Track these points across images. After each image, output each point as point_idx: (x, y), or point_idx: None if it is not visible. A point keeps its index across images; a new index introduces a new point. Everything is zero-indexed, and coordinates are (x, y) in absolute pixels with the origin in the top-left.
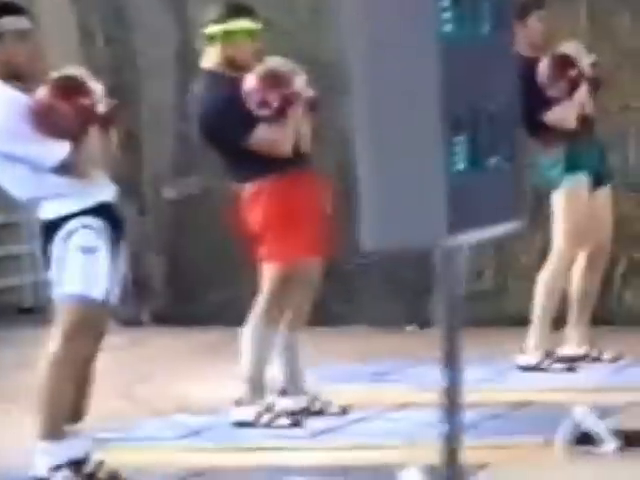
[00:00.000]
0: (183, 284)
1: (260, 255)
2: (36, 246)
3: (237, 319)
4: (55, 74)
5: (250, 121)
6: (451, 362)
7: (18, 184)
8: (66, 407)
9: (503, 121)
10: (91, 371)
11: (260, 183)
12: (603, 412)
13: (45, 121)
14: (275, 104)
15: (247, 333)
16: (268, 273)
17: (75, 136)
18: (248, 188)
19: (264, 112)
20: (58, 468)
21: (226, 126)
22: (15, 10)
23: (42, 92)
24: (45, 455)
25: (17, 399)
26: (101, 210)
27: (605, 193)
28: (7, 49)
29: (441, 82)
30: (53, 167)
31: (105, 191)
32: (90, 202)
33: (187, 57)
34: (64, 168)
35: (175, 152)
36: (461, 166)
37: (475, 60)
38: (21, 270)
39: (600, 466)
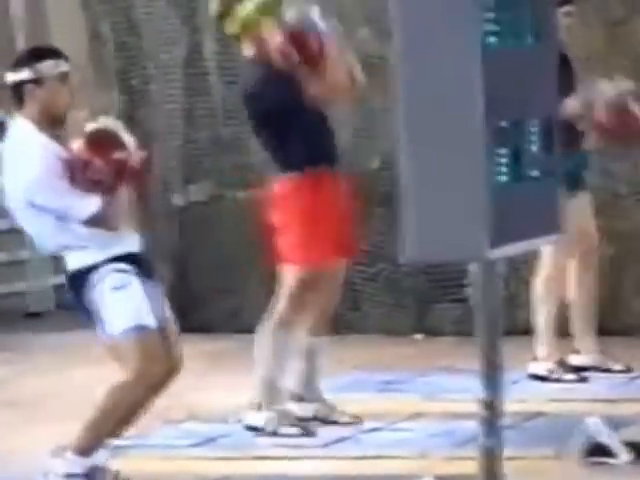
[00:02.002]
0: (191, 291)
1: (281, 256)
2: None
3: (245, 327)
4: (89, 126)
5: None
6: (491, 374)
7: (44, 234)
8: (109, 431)
9: (544, 133)
10: (152, 400)
11: (290, 181)
12: (615, 423)
13: (80, 176)
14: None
15: (263, 337)
16: (288, 276)
17: (109, 191)
18: (277, 185)
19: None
20: (73, 476)
21: (275, 109)
22: (55, 54)
23: (78, 145)
24: (66, 463)
25: (22, 404)
26: (127, 257)
27: (585, 197)
28: (48, 94)
29: (485, 94)
30: (84, 220)
31: (130, 242)
32: (115, 252)
33: (195, 63)
34: (95, 221)
35: (184, 158)
36: (503, 178)
37: (518, 72)
38: (26, 275)
39: (613, 478)
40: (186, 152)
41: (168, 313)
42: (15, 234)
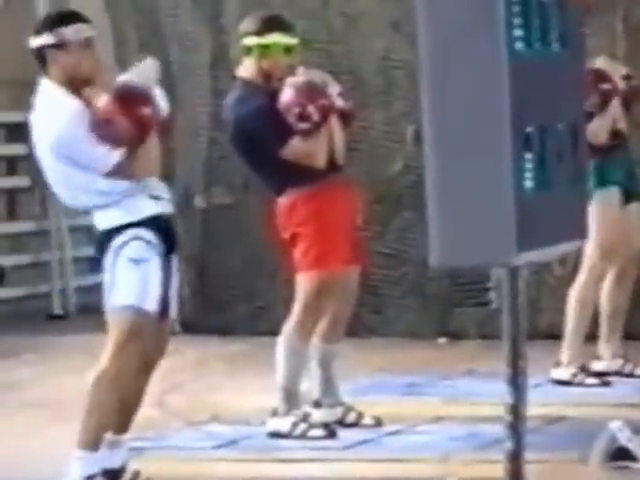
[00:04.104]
0: (213, 293)
1: (294, 265)
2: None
3: (267, 328)
4: (118, 80)
5: (285, 133)
6: (515, 378)
7: (73, 193)
8: (110, 419)
9: (570, 139)
10: (144, 385)
11: (294, 193)
12: (638, 427)
13: (104, 133)
14: (315, 117)
15: (281, 344)
16: (302, 284)
17: (132, 146)
18: (282, 198)
19: (304, 125)
20: (91, 478)
21: (261, 137)
22: (78, 19)
23: (103, 102)
24: (79, 463)
25: (47, 405)
26: (153, 222)
27: (636, 207)
28: (71, 58)
29: (512, 99)
30: (107, 170)
31: (160, 203)
32: (143, 214)
33: (221, 65)
34: (117, 172)
35: (208, 161)
36: (529, 184)
37: (545, 77)
38: (50, 277)
39: None
40: (210, 154)
41: (173, 296)
42: (39, 236)
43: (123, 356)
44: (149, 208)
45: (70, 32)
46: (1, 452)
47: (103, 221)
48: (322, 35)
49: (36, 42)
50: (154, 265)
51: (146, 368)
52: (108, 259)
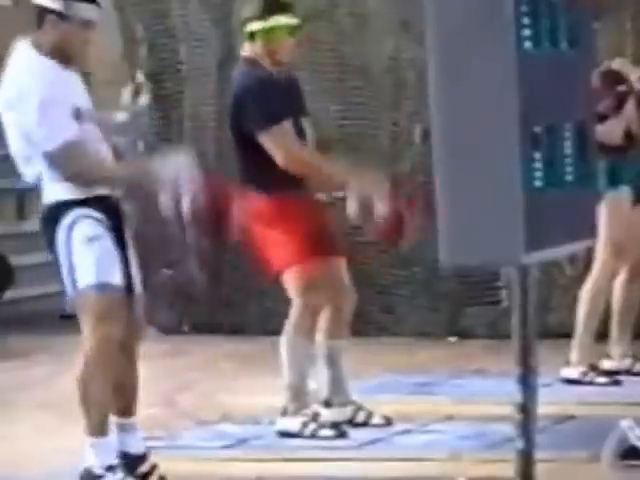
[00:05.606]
0: (224, 293)
1: (275, 267)
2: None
3: (277, 328)
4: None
5: (273, 116)
6: (525, 377)
7: (25, 159)
8: (106, 401)
9: (579, 139)
10: (134, 365)
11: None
12: None
13: None
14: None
15: (283, 344)
16: (289, 283)
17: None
18: (252, 202)
19: None
20: (112, 468)
21: (250, 114)
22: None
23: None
24: (94, 450)
25: (59, 405)
26: (101, 201)
27: None
28: (69, 33)
29: (520, 99)
30: (56, 145)
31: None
32: (90, 192)
33: (229, 66)
34: (54, 157)
35: (216, 160)
36: (538, 183)
37: (553, 77)
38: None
39: None
40: (218, 154)
41: (135, 271)
42: None
43: (101, 335)
44: (97, 187)
45: (80, 8)
46: (14, 452)
47: (52, 194)
48: (331, 35)
49: (44, 2)
50: (108, 240)
51: (126, 346)
52: (59, 240)
